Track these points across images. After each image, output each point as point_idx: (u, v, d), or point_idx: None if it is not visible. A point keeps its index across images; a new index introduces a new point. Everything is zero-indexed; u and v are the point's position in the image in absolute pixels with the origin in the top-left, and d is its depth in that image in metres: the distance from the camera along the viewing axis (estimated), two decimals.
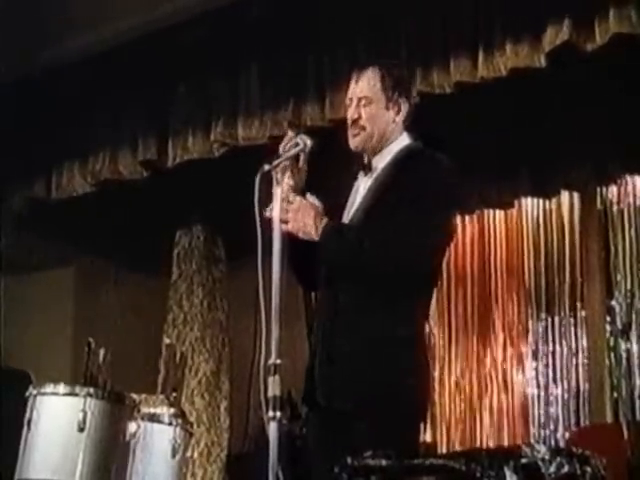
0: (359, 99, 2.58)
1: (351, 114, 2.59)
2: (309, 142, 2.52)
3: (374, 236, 2.41)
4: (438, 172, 2.52)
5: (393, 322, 2.43)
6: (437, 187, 2.49)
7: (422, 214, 2.45)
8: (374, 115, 2.57)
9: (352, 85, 2.62)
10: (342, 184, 2.69)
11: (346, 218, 2.58)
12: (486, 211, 5.07)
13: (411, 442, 2.44)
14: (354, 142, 2.59)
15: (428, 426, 4.87)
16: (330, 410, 2.43)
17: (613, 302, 4.62)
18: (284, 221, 2.45)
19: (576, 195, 4.82)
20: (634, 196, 4.69)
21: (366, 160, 2.62)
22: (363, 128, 2.57)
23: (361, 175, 2.63)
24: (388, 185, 2.51)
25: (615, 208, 4.72)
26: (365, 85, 2.58)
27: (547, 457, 1.93)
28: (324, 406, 2.44)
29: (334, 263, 2.50)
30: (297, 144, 2.55)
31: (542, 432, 4.72)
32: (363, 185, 2.60)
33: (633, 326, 4.52)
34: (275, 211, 2.44)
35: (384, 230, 2.41)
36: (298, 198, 2.51)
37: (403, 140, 2.62)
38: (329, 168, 2.83)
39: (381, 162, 2.59)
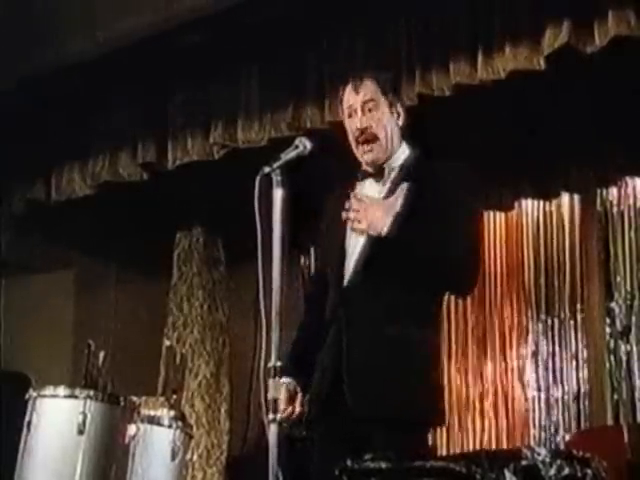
0: (363, 104, 2.56)
1: (360, 124, 2.55)
2: (309, 145, 2.52)
3: (426, 239, 2.41)
4: (464, 178, 2.57)
5: (421, 325, 2.46)
6: (467, 191, 2.54)
7: (463, 218, 2.48)
8: (382, 120, 2.56)
9: (350, 95, 2.59)
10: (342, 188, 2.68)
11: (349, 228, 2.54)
12: (486, 213, 5.06)
13: (425, 446, 2.46)
14: (369, 157, 2.56)
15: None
16: (352, 416, 2.41)
17: (613, 304, 4.61)
18: (356, 220, 2.40)
19: (576, 197, 4.82)
20: (634, 198, 4.69)
21: (372, 167, 2.59)
22: (376, 139, 2.54)
23: (369, 181, 2.60)
24: (414, 192, 2.47)
25: (615, 210, 4.72)
26: (367, 90, 2.57)
27: (547, 459, 1.93)
28: (350, 413, 2.41)
29: (404, 259, 2.43)
30: (297, 147, 2.55)
31: (542, 434, 4.72)
32: (374, 191, 2.56)
33: (633, 328, 4.52)
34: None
35: (432, 234, 2.41)
36: (368, 195, 2.47)
37: (405, 148, 2.63)
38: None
39: (391, 168, 2.58)
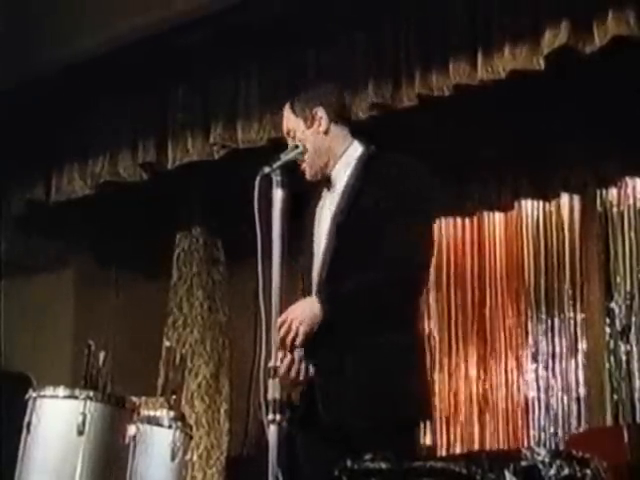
0: (287, 135, 2.69)
1: None
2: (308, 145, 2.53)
3: (381, 245, 2.44)
4: (414, 175, 2.57)
5: (396, 329, 2.45)
6: (418, 190, 2.54)
7: (415, 217, 2.51)
8: (302, 141, 2.63)
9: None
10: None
11: (317, 235, 2.59)
12: (486, 213, 5.07)
13: (411, 447, 2.45)
14: (306, 174, 2.64)
15: (428, 429, 4.87)
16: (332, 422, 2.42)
17: (613, 304, 4.61)
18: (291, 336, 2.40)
19: (576, 197, 4.82)
20: (634, 198, 4.69)
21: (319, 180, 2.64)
22: (303, 159, 2.62)
23: (325, 193, 2.64)
24: (361, 193, 2.53)
25: (615, 210, 4.71)
26: (286, 121, 2.70)
27: (547, 460, 1.93)
28: (327, 420, 2.42)
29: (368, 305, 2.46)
30: (296, 147, 2.56)
31: (542, 435, 4.72)
32: (329, 201, 2.61)
33: (633, 328, 4.52)
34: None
35: (387, 237, 2.45)
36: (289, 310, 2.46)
37: (356, 150, 2.64)
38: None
39: (341, 174, 2.61)
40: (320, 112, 2.63)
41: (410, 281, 2.48)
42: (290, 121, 2.68)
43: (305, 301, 2.49)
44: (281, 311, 2.39)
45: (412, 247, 2.48)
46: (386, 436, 2.32)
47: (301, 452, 2.51)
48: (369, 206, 2.51)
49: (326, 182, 2.64)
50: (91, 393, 3.32)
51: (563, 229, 4.88)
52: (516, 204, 4.95)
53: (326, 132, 2.63)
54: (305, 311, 2.43)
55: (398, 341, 2.45)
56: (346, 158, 2.63)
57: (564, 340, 4.76)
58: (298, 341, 2.40)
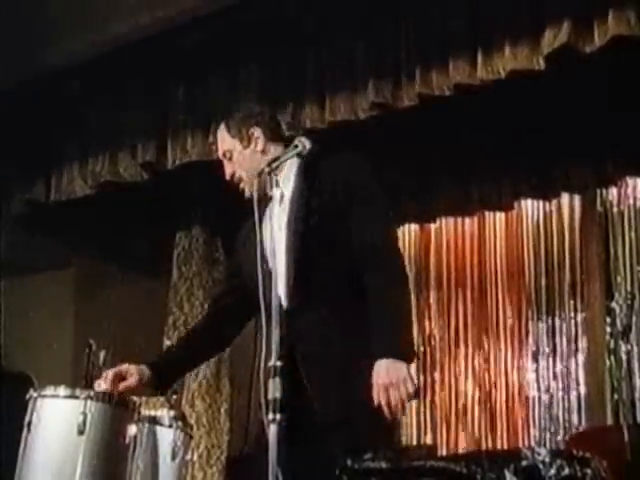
0: (223, 156, 2.72)
1: (227, 174, 2.72)
2: (308, 145, 2.52)
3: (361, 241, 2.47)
4: (356, 167, 2.61)
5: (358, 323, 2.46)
6: (366, 179, 2.59)
7: (372, 206, 2.54)
8: (239, 161, 2.68)
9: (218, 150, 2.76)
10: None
11: (269, 250, 2.50)
12: (486, 213, 5.07)
13: (391, 444, 2.48)
14: (246, 193, 2.67)
15: (428, 428, 4.87)
16: (314, 421, 2.43)
17: (613, 304, 4.61)
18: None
19: (576, 197, 4.82)
20: (634, 198, 4.69)
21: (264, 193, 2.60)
22: (240, 179, 2.67)
23: (269, 208, 2.59)
24: (310, 196, 2.54)
25: (615, 210, 4.71)
26: (222, 142, 2.73)
27: (547, 460, 1.93)
28: (314, 418, 2.43)
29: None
30: (296, 146, 2.56)
31: (542, 434, 4.72)
32: (276, 214, 2.56)
33: (633, 328, 4.52)
34: None
35: (354, 232, 2.48)
36: None
37: (294, 162, 2.62)
38: None
39: (287, 184, 2.60)
40: (257, 132, 2.69)
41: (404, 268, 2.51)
42: (225, 143, 2.72)
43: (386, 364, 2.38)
44: (281, 311, 2.37)
45: (382, 235, 2.50)
46: (363, 437, 2.34)
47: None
48: (322, 207, 2.52)
49: (269, 197, 2.59)
50: (92, 393, 3.30)
51: (563, 229, 4.88)
52: (516, 204, 4.95)
53: (263, 151, 2.68)
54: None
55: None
56: (286, 171, 2.62)
57: (564, 340, 4.76)
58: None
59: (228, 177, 2.73)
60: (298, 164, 2.62)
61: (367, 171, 2.60)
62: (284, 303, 2.50)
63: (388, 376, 2.34)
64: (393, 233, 2.61)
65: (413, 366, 2.44)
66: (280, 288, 2.46)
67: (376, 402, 2.36)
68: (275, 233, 2.55)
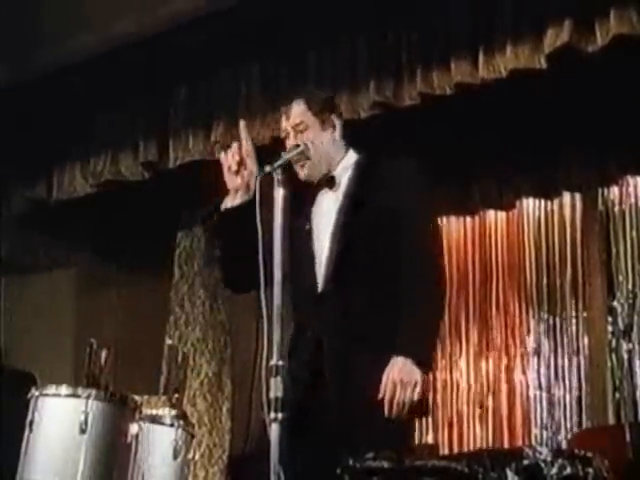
0: (294, 126, 2.64)
1: (289, 143, 2.64)
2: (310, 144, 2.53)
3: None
4: (414, 177, 2.64)
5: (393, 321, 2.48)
6: (421, 190, 2.63)
7: (424, 217, 2.59)
8: (313, 139, 2.63)
9: (283, 122, 2.69)
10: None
11: (316, 236, 2.58)
12: (487, 212, 5.06)
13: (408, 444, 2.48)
14: (302, 173, 2.63)
15: (430, 428, 4.87)
16: (335, 419, 2.43)
17: (615, 303, 4.61)
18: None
19: (578, 196, 4.81)
20: (635, 197, 4.69)
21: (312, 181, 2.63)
22: (307, 157, 2.61)
23: (324, 191, 2.64)
24: (365, 196, 2.56)
25: (617, 209, 4.71)
26: (296, 113, 2.65)
27: (549, 459, 1.93)
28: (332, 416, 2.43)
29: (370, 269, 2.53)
30: (298, 145, 2.56)
31: (544, 434, 4.72)
32: (327, 203, 2.61)
33: (635, 327, 4.51)
34: None
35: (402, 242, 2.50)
36: None
37: (351, 157, 2.69)
38: None
39: (342, 178, 2.64)
40: (337, 122, 2.68)
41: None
42: (302, 115, 2.64)
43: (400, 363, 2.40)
44: (282, 310, 2.38)
45: (432, 252, 2.57)
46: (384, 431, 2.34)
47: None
48: (375, 204, 2.54)
49: (325, 184, 2.64)
50: (93, 392, 3.32)
51: (565, 228, 4.87)
52: (518, 203, 4.94)
53: (336, 142, 2.67)
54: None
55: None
56: (344, 164, 2.67)
57: (566, 339, 4.76)
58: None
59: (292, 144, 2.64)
60: (353, 165, 2.65)
61: (425, 181, 2.63)
62: (319, 286, 2.52)
63: (400, 374, 2.36)
64: (439, 245, 2.65)
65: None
66: (318, 271, 2.53)
67: (380, 395, 2.36)
68: (323, 223, 2.58)
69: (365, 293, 2.50)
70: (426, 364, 2.42)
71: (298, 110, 2.66)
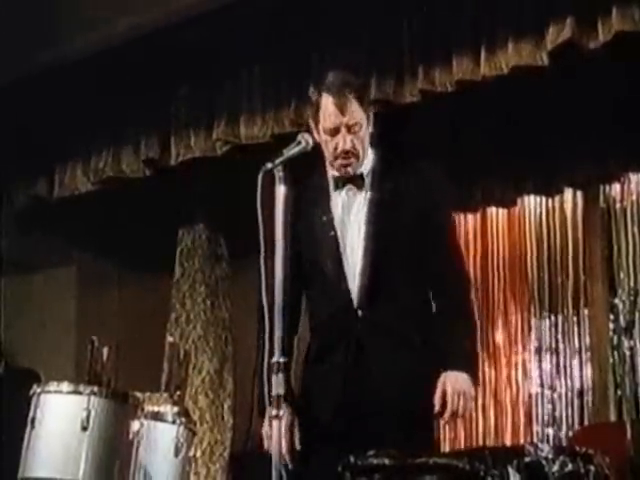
0: (349, 127, 2.54)
1: (346, 145, 2.54)
2: (311, 141, 2.52)
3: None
4: (440, 180, 2.66)
5: (427, 324, 2.58)
6: (445, 194, 2.66)
7: (448, 221, 2.66)
8: (363, 139, 2.58)
9: (334, 115, 2.54)
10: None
11: (341, 233, 2.57)
12: (488, 209, 5.06)
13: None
14: (345, 171, 2.58)
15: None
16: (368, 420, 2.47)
17: (616, 300, 4.61)
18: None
19: (579, 193, 4.81)
20: (637, 194, 4.68)
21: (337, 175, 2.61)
22: (356, 156, 2.57)
23: (346, 189, 2.60)
24: (395, 198, 2.57)
25: (618, 206, 4.70)
26: (354, 113, 2.55)
27: (550, 456, 1.94)
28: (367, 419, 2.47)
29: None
30: (299, 143, 2.55)
31: (546, 431, 4.72)
32: (352, 198, 2.59)
33: (636, 324, 4.51)
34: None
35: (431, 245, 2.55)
36: None
37: (370, 152, 2.65)
38: None
39: (366, 174, 2.62)
40: (371, 112, 2.63)
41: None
42: (358, 114, 2.54)
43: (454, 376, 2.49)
44: (284, 307, 2.38)
45: (459, 258, 2.63)
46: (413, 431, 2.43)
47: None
48: (405, 211, 2.55)
49: (351, 181, 2.60)
50: (95, 389, 3.31)
51: (566, 225, 4.87)
52: (519, 200, 4.94)
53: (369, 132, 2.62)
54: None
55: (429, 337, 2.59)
56: (367, 159, 2.63)
57: (567, 336, 4.76)
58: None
59: (342, 149, 2.55)
60: (373, 163, 2.61)
61: (450, 185, 2.68)
62: (354, 299, 2.53)
63: (463, 386, 2.46)
64: (462, 254, 2.70)
65: None
66: (352, 283, 2.53)
67: (439, 404, 2.44)
68: (351, 221, 2.57)
69: (399, 297, 2.54)
70: (476, 378, 2.53)
71: (355, 108, 2.54)
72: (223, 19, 4.20)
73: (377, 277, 2.52)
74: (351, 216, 2.59)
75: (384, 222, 2.54)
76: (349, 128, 2.54)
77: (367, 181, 2.60)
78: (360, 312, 2.53)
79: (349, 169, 2.58)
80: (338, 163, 2.57)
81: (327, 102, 2.54)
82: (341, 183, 2.61)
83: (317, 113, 2.58)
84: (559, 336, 4.78)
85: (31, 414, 3.29)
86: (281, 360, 2.29)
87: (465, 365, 2.48)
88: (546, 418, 4.74)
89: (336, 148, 2.55)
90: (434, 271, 2.56)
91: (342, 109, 2.53)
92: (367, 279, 2.52)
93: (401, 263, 2.54)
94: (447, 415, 2.44)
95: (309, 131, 2.61)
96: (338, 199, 2.62)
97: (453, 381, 2.45)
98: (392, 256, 2.53)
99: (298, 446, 2.48)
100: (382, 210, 2.56)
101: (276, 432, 2.27)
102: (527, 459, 1.94)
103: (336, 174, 2.61)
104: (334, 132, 2.55)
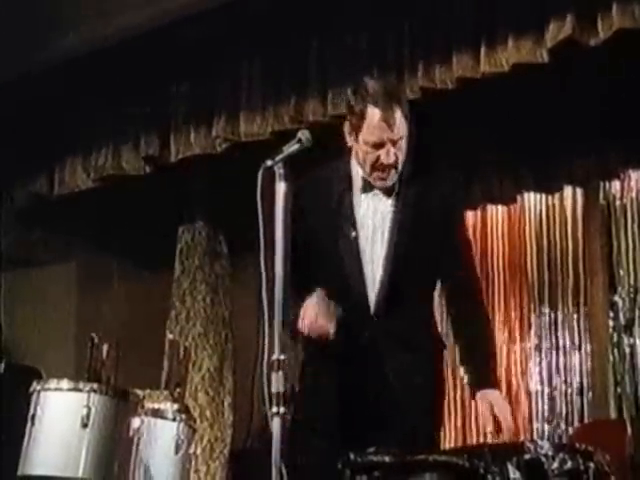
0: (394, 142, 2.51)
1: (389, 160, 2.51)
2: (311, 137, 2.51)
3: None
4: (459, 189, 2.78)
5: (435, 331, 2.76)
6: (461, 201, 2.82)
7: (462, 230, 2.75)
8: (404, 150, 2.55)
9: (381, 129, 2.49)
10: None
11: (363, 238, 2.57)
12: (488, 206, 5.06)
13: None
14: (384, 183, 2.56)
15: None
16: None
17: (616, 297, 4.61)
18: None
19: (579, 190, 4.81)
20: (637, 191, 4.68)
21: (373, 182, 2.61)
22: (396, 169, 2.55)
23: (373, 193, 2.60)
24: (420, 206, 2.59)
25: (618, 203, 4.70)
26: (400, 127, 2.51)
27: (550, 453, 1.94)
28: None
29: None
30: (299, 140, 2.54)
31: (545, 428, 4.72)
32: (382, 204, 2.59)
33: (636, 321, 4.51)
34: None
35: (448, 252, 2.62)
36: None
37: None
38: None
39: (396, 183, 2.62)
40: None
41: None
42: (404, 128, 2.51)
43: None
44: (283, 304, 2.38)
45: (472, 265, 2.72)
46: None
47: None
48: (427, 225, 2.57)
49: (382, 190, 2.60)
50: (95, 386, 3.32)
51: (566, 222, 4.87)
52: (519, 197, 4.94)
53: None
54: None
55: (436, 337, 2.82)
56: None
57: (567, 333, 4.76)
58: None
59: (385, 163, 2.52)
60: (410, 169, 2.59)
61: (461, 192, 2.79)
62: (372, 306, 2.55)
63: (506, 405, 2.58)
64: (475, 265, 2.79)
65: None
66: (371, 291, 2.55)
67: (492, 424, 2.53)
68: (375, 227, 2.57)
69: (417, 311, 2.63)
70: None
71: (400, 122, 2.50)
72: (222, 16, 4.20)
73: (397, 288, 2.54)
74: (375, 221, 2.58)
75: (408, 233, 2.54)
76: (394, 143, 2.50)
77: (395, 188, 2.59)
78: (376, 319, 2.56)
79: (388, 182, 2.57)
80: (376, 175, 2.55)
81: (373, 115, 2.49)
82: (369, 187, 2.60)
83: (360, 123, 2.52)
84: (559, 333, 4.78)
85: (31, 411, 3.29)
86: (281, 357, 2.29)
87: (495, 382, 2.59)
88: (546, 415, 4.74)
89: (377, 160, 2.52)
90: (451, 284, 2.67)
91: (389, 123, 2.49)
92: (387, 290, 2.54)
93: (419, 275, 2.57)
94: (505, 432, 2.51)
95: (309, 128, 2.61)
96: (363, 201, 2.60)
97: (497, 401, 2.54)
98: (412, 267, 2.54)
99: (338, 313, 2.45)
100: (407, 220, 2.56)
101: (310, 309, 2.37)
102: (527, 456, 1.94)
103: (366, 178, 2.60)
104: (378, 146, 2.51)
